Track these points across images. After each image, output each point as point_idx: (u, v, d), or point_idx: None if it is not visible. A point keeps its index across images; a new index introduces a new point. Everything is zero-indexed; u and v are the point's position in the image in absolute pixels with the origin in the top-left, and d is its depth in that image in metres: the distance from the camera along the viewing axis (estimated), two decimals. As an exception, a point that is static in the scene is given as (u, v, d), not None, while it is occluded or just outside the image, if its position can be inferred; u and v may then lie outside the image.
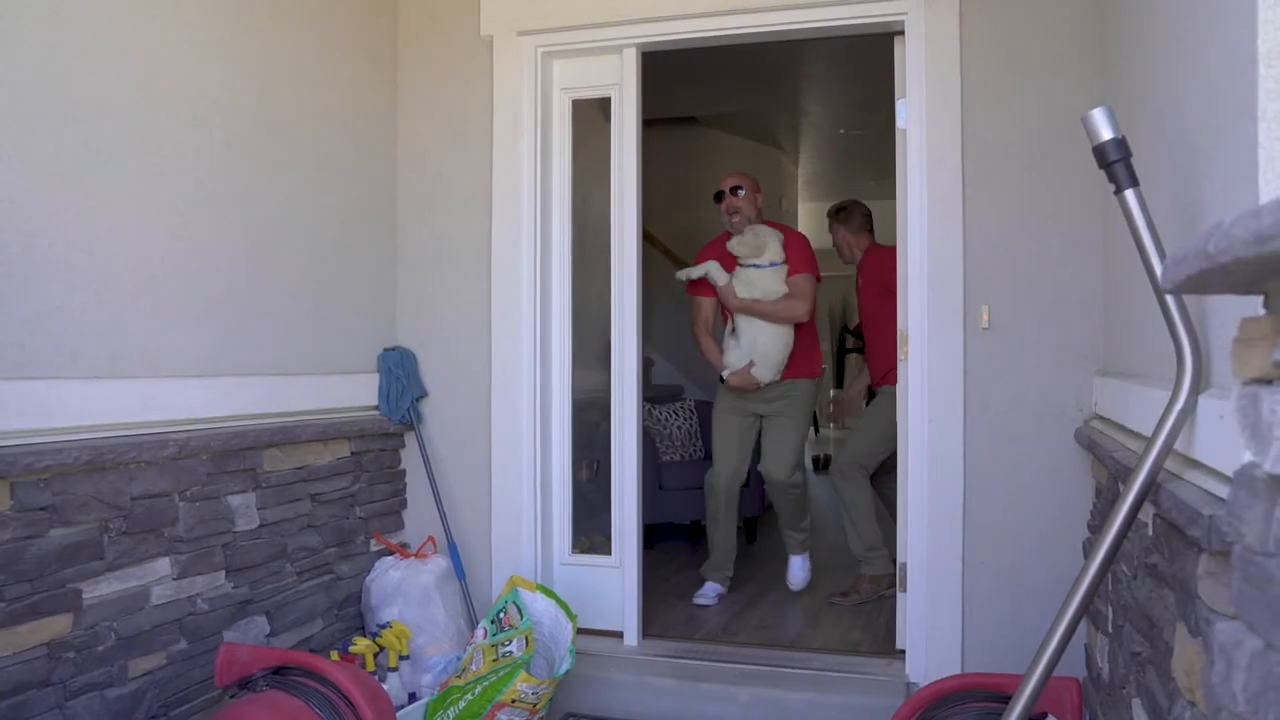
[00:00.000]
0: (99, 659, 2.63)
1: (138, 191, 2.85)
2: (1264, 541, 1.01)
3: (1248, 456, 1.09)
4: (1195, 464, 1.84)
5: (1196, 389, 1.84)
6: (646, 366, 7.24)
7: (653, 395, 6.57)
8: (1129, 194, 1.96)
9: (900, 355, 3.62)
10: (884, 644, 3.89)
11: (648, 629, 4.01)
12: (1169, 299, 1.87)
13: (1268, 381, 1.04)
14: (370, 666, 3.31)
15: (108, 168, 2.75)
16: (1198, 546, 1.59)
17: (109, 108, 2.75)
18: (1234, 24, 1.68)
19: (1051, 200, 3.41)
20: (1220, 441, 1.65)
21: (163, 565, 2.88)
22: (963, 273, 3.47)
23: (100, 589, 2.65)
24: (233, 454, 3.14)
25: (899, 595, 3.64)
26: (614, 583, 3.96)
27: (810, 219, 9.96)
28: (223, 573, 3.11)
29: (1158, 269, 1.93)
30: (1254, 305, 1.31)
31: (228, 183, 3.21)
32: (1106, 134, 1.96)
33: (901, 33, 3.60)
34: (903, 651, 3.58)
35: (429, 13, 4.08)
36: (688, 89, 6.58)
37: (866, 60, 5.21)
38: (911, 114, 3.55)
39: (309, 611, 3.50)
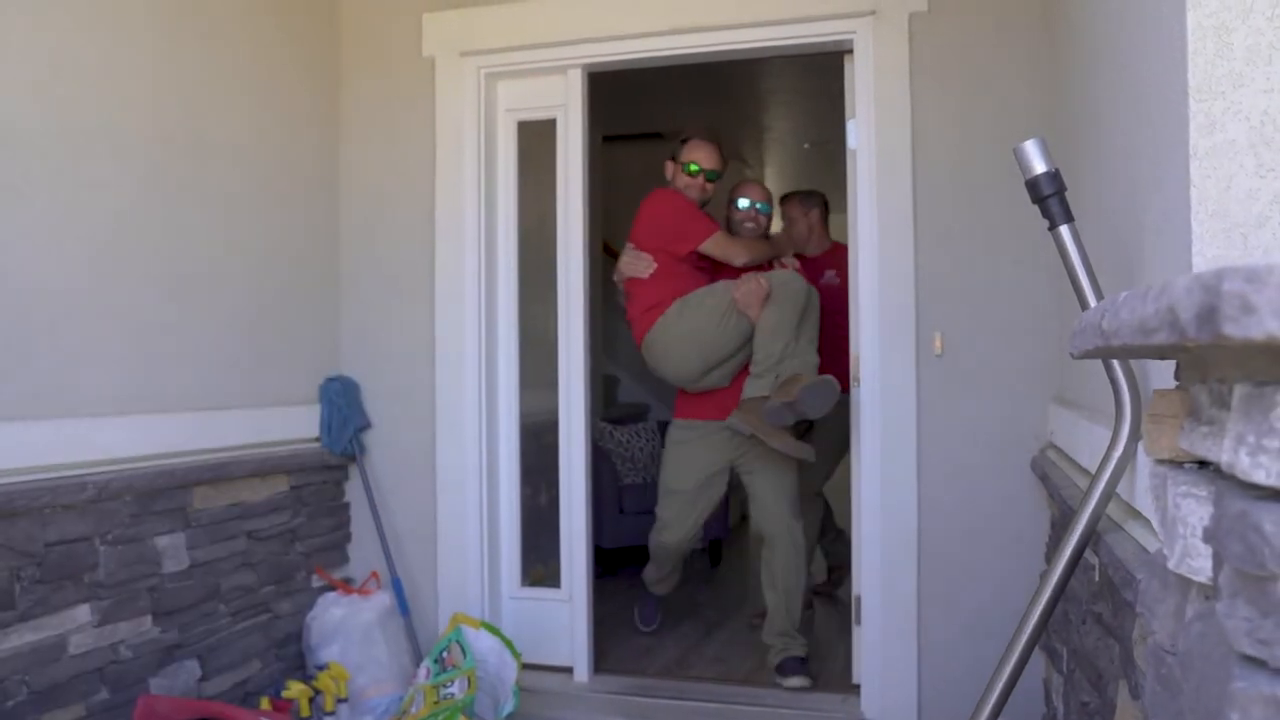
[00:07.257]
0: (8, 715, 2.50)
1: (52, 225, 2.74)
2: (1173, 640, 0.91)
3: (1155, 543, 1.00)
4: (1135, 514, 1.75)
5: (1136, 434, 1.75)
6: (611, 386, 7.13)
7: (615, 416, 6.46)
8: (1063, 230, 1.87)
9: (852, 382, 3.52)
10: (841, 678, 3.77)
11: (600, 663, 3.90)
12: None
13: (1178, 465, 0.94)
14: (305, 712, 3.19)
15: (18, 201, 2.64)
16: (1133, 609, 1.50)
17: (17, 139, 2.64)
18: (1165, 55, 1.60)
19: (1005, 222, 3.32)
20: (1157, 494, 1.57)
21: (82, 612, 2.77)
22: (915, 297, 3.39)
23: (10, 641, 2.53)
24: (159, 493, 3.02)
25: (854, 629, 3.55)
26: (564, 616, 3.85)
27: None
28: (149, 617, 2.99)
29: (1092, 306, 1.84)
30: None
31: (154, 213, 3.10)
32: (1040, 167, 1.87)
33: (851, 51, 3.51)
34: (858, 687, 3.48)
35: (371, 34, 3.96)
36: (647, 106, 6.48)
37: (826, 75, 5.12)
38: (861, 135, 3.46)
39: (244, 653, 3.37)
